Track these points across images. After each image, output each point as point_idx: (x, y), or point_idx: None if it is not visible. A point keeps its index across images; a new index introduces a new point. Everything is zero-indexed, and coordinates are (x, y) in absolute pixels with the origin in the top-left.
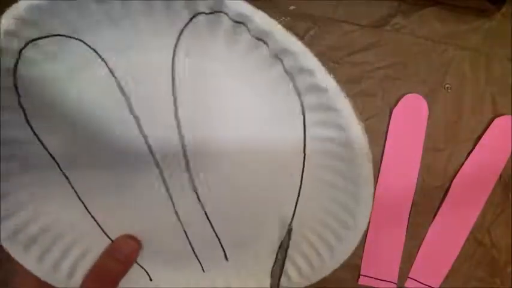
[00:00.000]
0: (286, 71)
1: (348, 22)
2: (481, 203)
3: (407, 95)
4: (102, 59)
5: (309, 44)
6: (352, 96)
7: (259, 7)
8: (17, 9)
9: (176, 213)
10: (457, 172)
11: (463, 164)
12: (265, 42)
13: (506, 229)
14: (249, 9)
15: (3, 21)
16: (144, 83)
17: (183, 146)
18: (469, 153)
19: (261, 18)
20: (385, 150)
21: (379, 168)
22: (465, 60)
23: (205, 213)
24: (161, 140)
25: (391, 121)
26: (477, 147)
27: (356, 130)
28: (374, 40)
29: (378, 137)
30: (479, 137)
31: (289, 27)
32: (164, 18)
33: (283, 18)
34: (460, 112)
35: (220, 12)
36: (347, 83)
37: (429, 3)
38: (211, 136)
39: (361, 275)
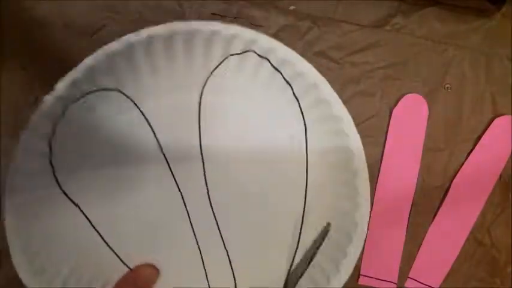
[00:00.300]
0: (294, 94)
1: (348, 22)
2: (481, 203)
3: (407, 95)
4: (137, 106)
5: (309, 44)
6: (352, 96)
7: (259, 7)
8: (76, 73)
9: (193, 232)
10: (457, 172)
11: (463, 164)
12: (280, 72)
13: (506, 229)
14: (275, 44)
15: (58, 86)
16: (173, 120)
17: (205, 177)
18: (469, 153)
19: (282, 49)
20: (385, 150)
21: (379, 168)
22: (465, 60)
23: (221, 235)
24: (185, 172)
25: (391, 121)
26: (477, 147)
27: (347, 119)
28: (374, 40)
29: (378, 137)
30: (479, 137)
31: (289, 27)
32: (201, 61)
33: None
34: (460, 112)
35: (250, 50)
36: (347, 83)
37: (429, 3)
38: (227, 156)
39: (361, 275)
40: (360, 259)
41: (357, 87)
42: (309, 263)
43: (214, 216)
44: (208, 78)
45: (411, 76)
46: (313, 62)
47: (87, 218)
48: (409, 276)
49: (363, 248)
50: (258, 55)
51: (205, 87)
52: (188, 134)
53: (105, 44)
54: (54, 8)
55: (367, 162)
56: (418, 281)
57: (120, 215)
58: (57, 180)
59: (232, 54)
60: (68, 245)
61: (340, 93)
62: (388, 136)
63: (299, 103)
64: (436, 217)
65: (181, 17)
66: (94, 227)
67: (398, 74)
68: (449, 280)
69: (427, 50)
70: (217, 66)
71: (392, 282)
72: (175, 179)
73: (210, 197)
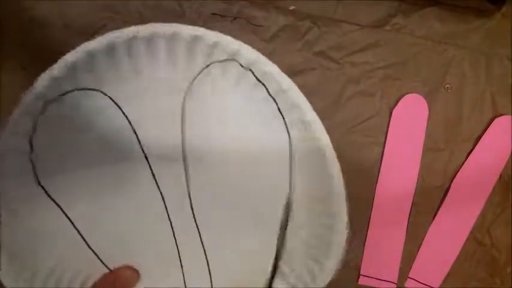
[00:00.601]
0: (279, 110)
1: (348, 22)
2: (481, 203)
3: (407, 95)
4: (119, 107)
5: (309, 44)
6: (352, 96)
7: (259, 7)
8: (55, 69)
9: (173, 232)
10: (457, 172)
11: (463, 164)
12: (263, 84)
13: (506, 229)
14: (257, 56)
15: (37, 83)
16: (155, 123)
17: (187, 179)
18: (469, 153)
19: (265, 63)
20: (385, 150)
21: (379, 168)
22: (465, 60)
23: (200, 238)
24: (167, 173)
25: (391, 121)
26: (477, 147)
27: (325, 139)
28: (374, 40)
29: (378, 137)
30: (479, 137)
31: (289, 27)
32: (183, 65)
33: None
34: (460, 112)
35: (233, 60)
36: (347, 83)
37: (429, 3)
38: (211, 157)
39: (361, 275)
40: (360, 259)
41: (357, 87)
42: (282, 243)
43: (195, 220)
44: (191, 83)
45: (411, 76)
46: (313, 62)
47: (68, 217)
48: (409, 276)
49: (363, 248)
50: (241, 65)
51: (188, 91)
52: (171, 136)
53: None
54: (54, 8)
55: (367, 162)
56: (418, 281)
57: (101, 215)
58: (36, 178)
59: (215, 62)
60: (49, 244)
61: (340, 93)
62: (388, 136)
63: (283, 117)
64: (436, 217)
65: (181, 16)
66: (74, 226)
67: (398, 74)
68: (449, 280)
69: (427, 50)
70: (200, 72)
71: (392, 282)
72: (156, 181)
73: (192, 199)
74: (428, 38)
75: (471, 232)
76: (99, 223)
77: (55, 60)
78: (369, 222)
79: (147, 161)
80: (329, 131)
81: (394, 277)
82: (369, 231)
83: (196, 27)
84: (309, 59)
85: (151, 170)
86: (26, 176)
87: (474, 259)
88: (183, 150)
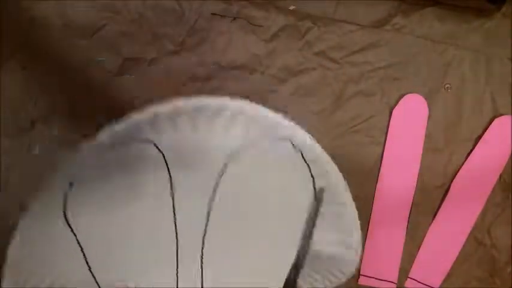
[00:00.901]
0: (315, 188)
1: (348, 22)
2: (481, 203)
3: (407, 95)
4: (166, 164)
5: (309, 44)
6: (352, 96)
7: (259, 7)
8: (119, 127)
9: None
10: (457, 172)
11: (463, 164)
12: (308, 166)
13: (506, 229)
14: (310, 140)
15: (99, 137)
16: (193, 184)
17: (203, 238)
18: (469, 153)
19: (314, 147)
20: (385, 150)
21: (379, 168)
22: (465, 60)
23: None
24: (188, 225)
25: (391, 121)
26: (477, 147)
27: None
28: (374, 40)
29: (378, 137)
30: (479, 137)
31: (289, 27)
32: (240, 134)
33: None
34: (460, 112)
35: (288, 140)
36: (347, 83)
37: (429, 3)
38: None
39: (361, 275)
40: (360, 259)
41: (357, 87)
42: (310, 233)
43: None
44: (239, 152)
45: (411, 76)
46: (313, 62)
47: (81, 248)
48: (409, 276)
49: (363, 248)
50: (293, 146)
51: (235, 159)
52: (203, 201)
53: (105, 43)
54: (54, 8)
55: (367, 162)
56: (418, 281)
57: (116, 257)
58: (64, 211)
59: (270, 137)
60: (51, 264)
61: (340, 93)
62: (388, 136)
63: (318, 203)
64: (436, 217)
65: (181, 16)
66: (87, 262)
67: (398, 74)
68: (449, 280)
69: (427, 50)
70: (253, 143)
71: (392, 282)
72: (176, 232)
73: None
74: (428, 38)
75: (471, 232)
76: (111, 262)
77: (55, 60)
78: (369, 222)
79: (174, 215)
80: (329, 131)
81: (394, 277)
82: (368, 231)
83: (261, 107)
84: (309, 59)
85: (175, 224)
86: (54, 207)
87: (474, 259)
88: (208, 217)
